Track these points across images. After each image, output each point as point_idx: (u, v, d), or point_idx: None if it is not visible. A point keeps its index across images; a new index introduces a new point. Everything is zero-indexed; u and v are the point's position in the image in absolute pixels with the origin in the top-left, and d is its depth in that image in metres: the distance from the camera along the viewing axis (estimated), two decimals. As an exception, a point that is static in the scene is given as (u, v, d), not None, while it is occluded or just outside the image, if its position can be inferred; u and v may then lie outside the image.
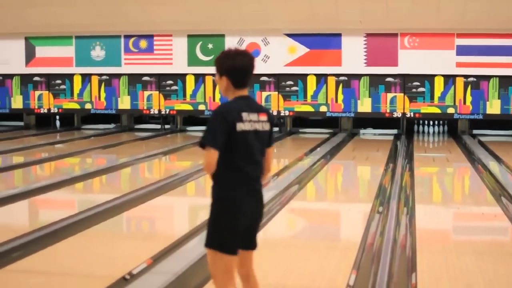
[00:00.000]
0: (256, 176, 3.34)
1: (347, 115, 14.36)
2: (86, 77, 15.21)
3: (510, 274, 4.74)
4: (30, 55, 15.36)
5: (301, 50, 14.22)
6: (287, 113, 14.48)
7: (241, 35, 14.32)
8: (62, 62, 15.17)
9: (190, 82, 14.81)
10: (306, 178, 8.85)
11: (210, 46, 14.50)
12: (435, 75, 13.83)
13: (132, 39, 14.86)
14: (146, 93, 14.99)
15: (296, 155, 10.95)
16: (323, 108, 14.29)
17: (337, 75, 14.16)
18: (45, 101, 15.47)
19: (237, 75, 3.32)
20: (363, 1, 13.08)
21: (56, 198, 7.64)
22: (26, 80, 15.49)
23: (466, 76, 13.72)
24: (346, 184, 9.33)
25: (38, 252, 5.12)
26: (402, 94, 13.97)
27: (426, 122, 14.90)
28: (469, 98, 13.76)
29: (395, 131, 14.57)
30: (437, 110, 13.91)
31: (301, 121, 15.23)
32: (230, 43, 14.04)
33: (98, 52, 15.05)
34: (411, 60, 13.82)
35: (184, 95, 14.83)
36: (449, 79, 13.80)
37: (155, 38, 14.76)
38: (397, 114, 14.03)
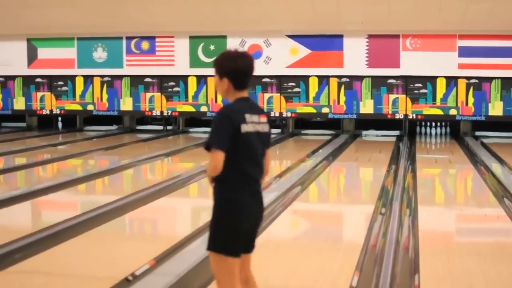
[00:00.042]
0: (257, 177, 3.33)
1: (349, 117, 14.35)
2: (88, 79, 15.22)
3: (513, 275, 4.74)
4: (32, 57, 15.37)
5: (303, 51, 14.21)
6: (289, 114, 14.48)
7: (243, 36, 14.32)
8: (64, 63, 15.19)
9: (192, 84, 14.80)
10: (309, 179, 8.84)
11: (212, 47, 14.49)
12: (437, 77, 13.81)
13: (134, 41, 14.86)
14: (148, 95, 14.99)
15: (298, 157, 10.95)
16: (325, 110, 14.28)
17: (339, 77, 14.15)
18: (47, 103, 15.48)
19: (238, 76, 3.30)
20: (365, 3, 13.07)
21: (58, 200, 7.65)
22: (28, 81, 15.51)
23: (468, 78, 13.70)
24: (349, 185, 9.32)
25: (40, 253, 5.12)
26: (404, 96, 13.96)
27: (428, 123, 14.89)
28: (471, 100, 13.74)
29: (397, 133, 14.56)
30: (439, 112, 13.89)
31: (303, 122, 15.23)
32: (232, 44, 14.03)
33: (100, 54, 15.05)
34: (413, 62, 13.81)
35: (186, 97, 14.83)
36: (451, 81, 13.78)
37: (157, 39, 14.76)
38: (399, 115, 14.02)
